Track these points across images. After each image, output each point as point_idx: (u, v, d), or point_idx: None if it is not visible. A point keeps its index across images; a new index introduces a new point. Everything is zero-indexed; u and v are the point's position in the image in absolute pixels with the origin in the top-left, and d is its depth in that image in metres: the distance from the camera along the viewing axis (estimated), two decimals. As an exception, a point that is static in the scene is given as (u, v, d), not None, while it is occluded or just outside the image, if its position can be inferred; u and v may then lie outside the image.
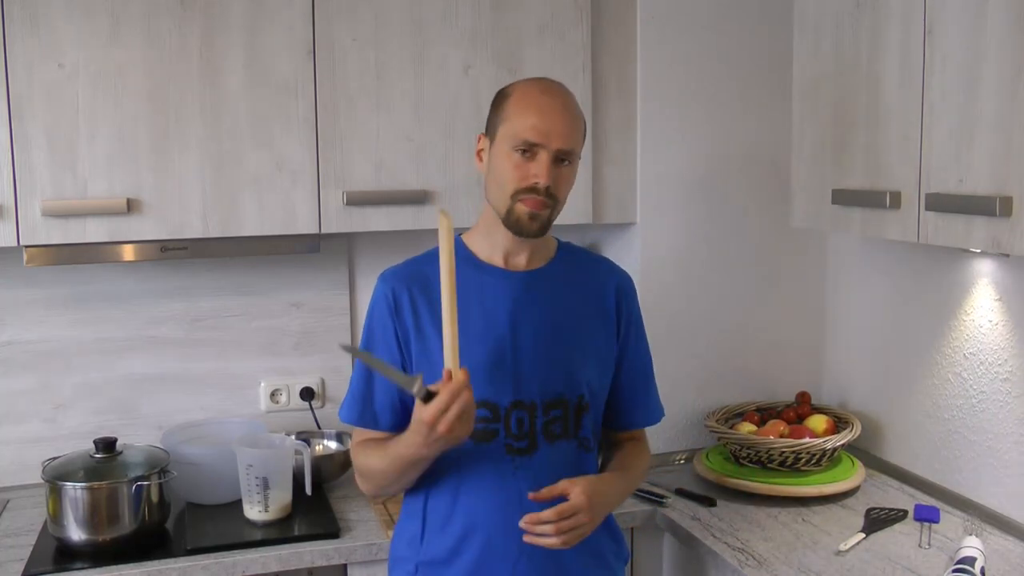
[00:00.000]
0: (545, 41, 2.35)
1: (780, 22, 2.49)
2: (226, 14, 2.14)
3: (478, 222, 1.79)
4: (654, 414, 1.90)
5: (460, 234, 1.81)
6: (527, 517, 1.62)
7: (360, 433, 1.79)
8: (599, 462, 1.85)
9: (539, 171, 1.63)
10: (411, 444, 1.60)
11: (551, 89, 1.71)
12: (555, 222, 1.73)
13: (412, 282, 1.74)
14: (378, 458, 1.71)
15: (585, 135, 1.74)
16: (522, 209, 1.66)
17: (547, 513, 1.62)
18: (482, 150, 1.73)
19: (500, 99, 1.72)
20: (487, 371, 1.69)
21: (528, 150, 1.64)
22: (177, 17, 2.11)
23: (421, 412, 1.53)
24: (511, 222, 1.68)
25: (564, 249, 1.84)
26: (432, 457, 1.63)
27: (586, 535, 1.66)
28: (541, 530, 1.62)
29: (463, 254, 1.77)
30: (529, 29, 2.34)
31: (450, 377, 1.53)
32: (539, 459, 1.70)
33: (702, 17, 2.51)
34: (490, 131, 1.72)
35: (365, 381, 1.75)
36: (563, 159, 1.66)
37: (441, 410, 1.51)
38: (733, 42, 2.53)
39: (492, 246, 1.75)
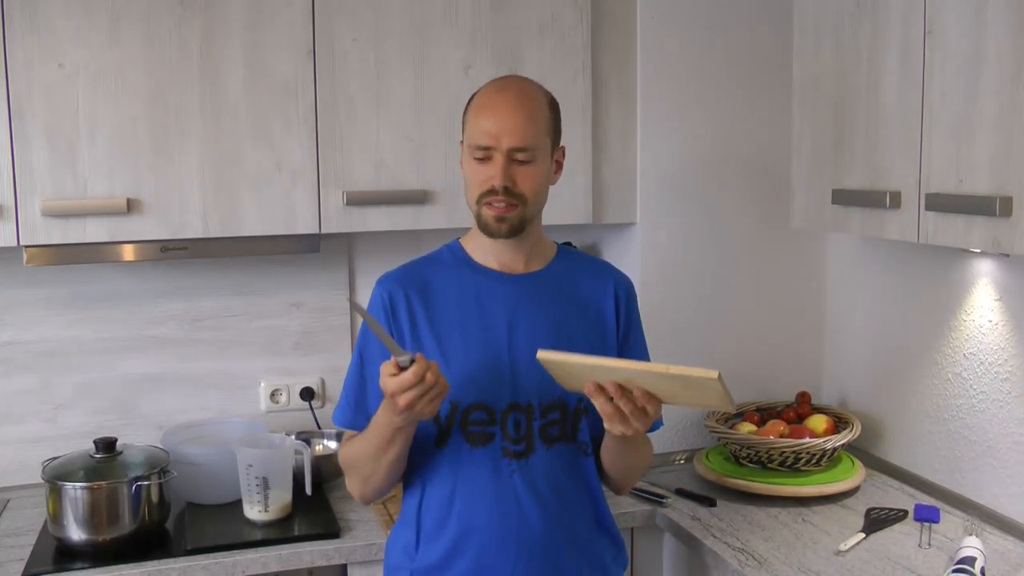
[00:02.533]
0: (545, 41, 2.36)
1: (780, 22, 2.49)
2: (226, 13, 2.14)
3: (473, 226, 1.79)
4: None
5: (458, 237, 1.82)
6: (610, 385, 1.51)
7: (351, 435, 1.79)
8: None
9: (493, 172, 1.64)
10: (380, 415, 1.61)
11: (505, 87, 1.70)
12: (555, 222, 1.73)
13: (409, 285, 1.74)
14: (357, 442, 1.71)
15: (554, 128, 1.71)
16: (488, 214, 1.66)
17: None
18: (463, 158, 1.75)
19: (466, 106, 1.73)
20: (484, 374, 1.68)
21: (484, 154, 1.65)
22: (177, 17, 2.11)
23: (387, 382, 1.52)
24: (482, 226, 1.69)
25: (563, 252, 1.83)
26: (402, 431, 1.60)
27: (629, 431, 1.55)
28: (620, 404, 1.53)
29: (461, 257, 1.77)
30: (529, 29, 2.34)
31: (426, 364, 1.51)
32: (536, 462, 1.70)
33: (702, 17, 2.51)
34: (463, 139, 1.73)
35: (359, 385, 1.75)
36: (520, 157, 1.65)
37: (404, 386, 1.50)
38: (733, 42, 2.53)
39: (485, 249, 1.75)
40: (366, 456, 1.68)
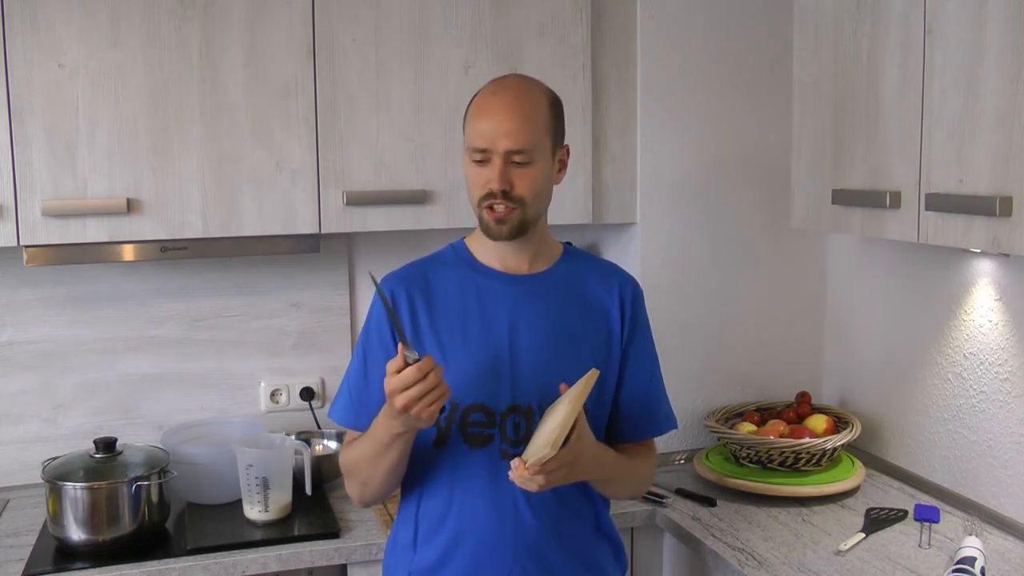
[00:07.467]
0: (545, 41, 2.36)
1: (780, 22, 2.49)
2: (226, 14, 2.14)
3: (477, 226, 1.78)
4: (662, 424, 1.82)
5: (463, 237, 1.81)
6: (518, 464, 1.52)
7: (352, 436, 1.78)
8: None
9: (491, 175, 1.63)
10: (379, 419, 1.59)
11: (502, 88, 1.67)
12: (555, 222, 1.72)
13: (412, 284, 1.74)
14: (358, 446, 1.69)
15: (555, 127, 1.69)
16: (487, 217, 1.66)
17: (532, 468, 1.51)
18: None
19: (467, 108, 1.71)
20: (483, 375, 1.68)
21: (482, 156, 1.63)
22: (177, 17, 2.11)
23: (389, 380, 1.51)
24: (483, 229, 1.69)
25: (569, 253, 1.82)
26: (401, 436, 1.59)
27: (554, 484, 1.55)
28: (522, 478, 1.53)
29: (464, 257, 1.77)
30: (529, 29, 2.34)
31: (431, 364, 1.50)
32: None
33: (702, 17, 2.51)
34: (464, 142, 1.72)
35: (363, 383, 1.74)
36: (518, 159, 1.62)
37: (402, 386, 1.49)
38: (733, 42, 2.53)
39: (489, 250, 1.75)
40: (365, 460, 1.67)
